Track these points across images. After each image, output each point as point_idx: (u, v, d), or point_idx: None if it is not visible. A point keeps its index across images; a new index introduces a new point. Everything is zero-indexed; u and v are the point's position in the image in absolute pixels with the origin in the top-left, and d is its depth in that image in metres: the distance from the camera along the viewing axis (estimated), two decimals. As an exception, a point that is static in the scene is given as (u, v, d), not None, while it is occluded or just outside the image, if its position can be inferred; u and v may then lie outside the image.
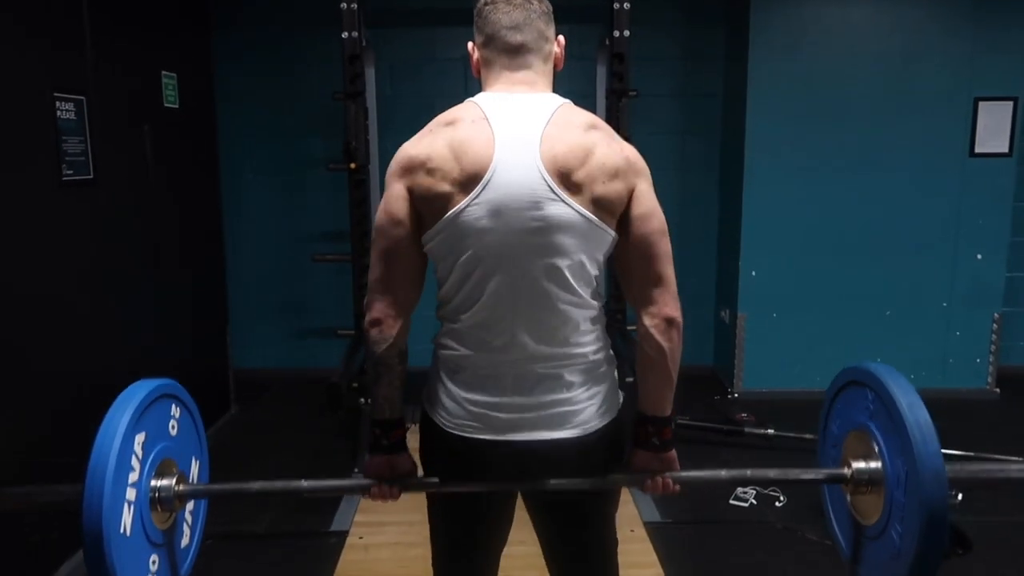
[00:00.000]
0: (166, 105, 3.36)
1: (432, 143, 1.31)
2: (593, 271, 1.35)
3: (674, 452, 1.45)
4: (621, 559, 1.61)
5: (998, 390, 4.27)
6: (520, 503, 1.56)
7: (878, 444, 1.43)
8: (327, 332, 4.29)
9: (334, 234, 4.39)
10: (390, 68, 4.35)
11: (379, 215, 1.36)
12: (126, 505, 1.35)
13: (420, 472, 1.49)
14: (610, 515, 1.58)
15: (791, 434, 3.51)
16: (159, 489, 1.44)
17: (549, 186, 1.27)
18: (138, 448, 1.40)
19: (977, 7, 3.93)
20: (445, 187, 1.29)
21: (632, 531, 2.78)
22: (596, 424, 1.41)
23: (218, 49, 4.04)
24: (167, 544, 1.49)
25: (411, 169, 1.32)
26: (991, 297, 4.20)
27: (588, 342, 1.39)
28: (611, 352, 1.46)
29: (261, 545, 2.80)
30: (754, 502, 3.03)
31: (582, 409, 1.39)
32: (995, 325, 4.22)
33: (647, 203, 1.34)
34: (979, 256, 4.16)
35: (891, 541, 1.39)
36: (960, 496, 2.90)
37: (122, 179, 2.95)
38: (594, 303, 1.39)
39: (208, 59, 3.87)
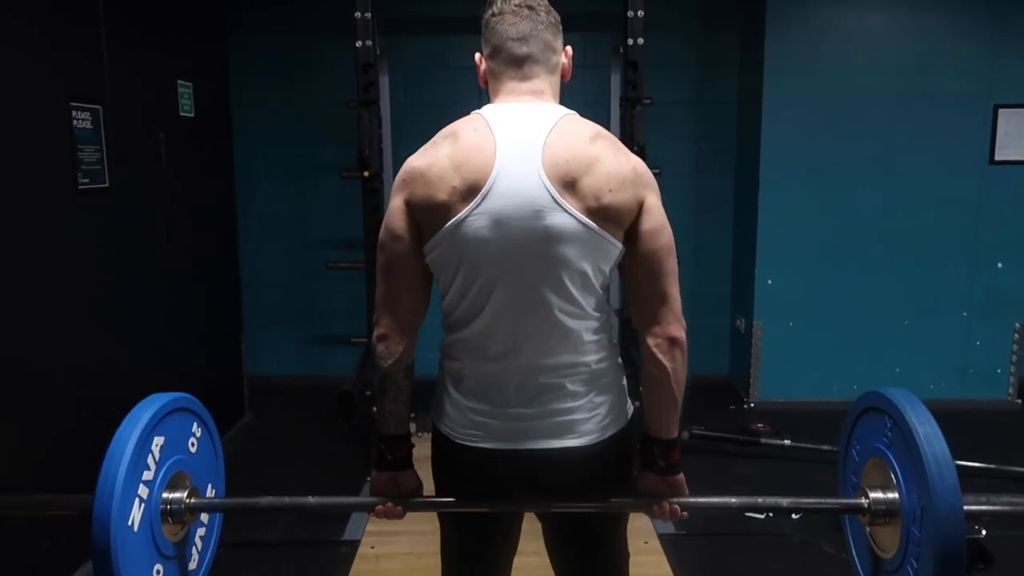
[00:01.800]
0: (181, 114, 3.38)
1: (434, 155, 1.30)
2: (597, 281, 1.33)
3: (682, 476, 1.42)
4: (634, 571, 1.59)
5: (1019, 401, 4.20)
6: (530, 514, 1.54)
7: (895, 474, 1.40)
8: (340, 339, 4.30)
9: (348, 241, 4.40)
10: (404, 76, 4.36)
11: (381, 231, 1.36)
12: (137, 500, 1.36)
13: (425, 489, 1.48)
14: (620, 528, 1.56)
15: (808, 445, 3.47)
16: (171, 501, 1.44)
17: (551, 195, 1.25)
18: (156, 450, 1.41)
19: (995, 14, 3.89)
20: (443, 197, 1.27)
21: (646, 543, 2.75)
22: (600, 435, 1.39)
23: (233, 57, 4.07)
24: (176, 558, 1.49)
25: (410, 181, 1.31)
26: (1012, 306, 4.14)
27: (590, 351, 1.37)
28: (619, 361, 1.45)
29: (273, 554, 2.80)
30: (770, 514, 2.99)
31: (587, 419, 1.38)
32: (1016, 335, 4.16)
33: (656, 218, 1.32)
34: (1000, 265, 4.10)
35: None
36: (984, 532, 2.82)
37: (137, 187, 2.97)
38: (597, 314, 1.37)
39: (223, 67, 3.90)
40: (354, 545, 2.76)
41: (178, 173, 3.28)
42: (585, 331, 1.35)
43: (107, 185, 2.73)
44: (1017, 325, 4.15)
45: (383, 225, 1.36)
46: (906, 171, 4.02)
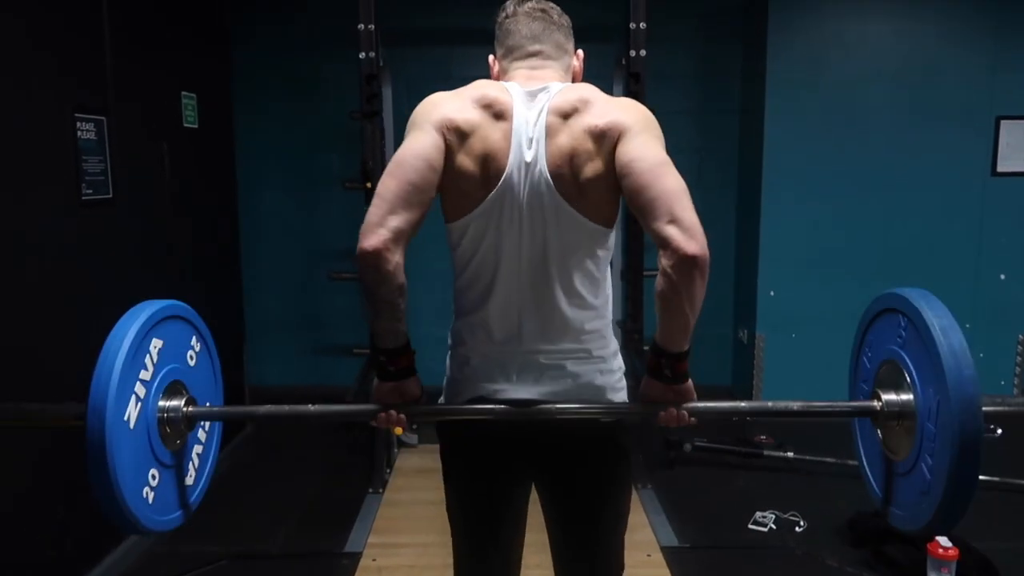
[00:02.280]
0: (185, 125, 3.39)
1: (471, 121, 1.33)
2: (596, 272, 1.39)
3: (689, 383, 1.36)
4: (638, 585, 1.58)
5: (1024, 413, 4.19)
6: (535, 509, 1.54)
7: (910, 374, 1.33)
8: (343, 350, 4.29)
9: (350, 252, 4.32)
10: (407, 88, 4.36)
11: (409, 157, 1.31)
12: (133, 398, 1.33)
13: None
14: (620, 528, 1.55)
15: (811, 457, 3.45)
16: (168, 409, 1.41)
17: (554, 188, 1.31)
18: (153, 351, 1.39)
19: (997, 26, 3.90)
20: (474, 175, 1.32)
21: (649, 556, 2.74)
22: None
23: (236, 69, 4.08)
24: (173, 467, 1.45)
25: (452, 130, 1.32)
26: (1015, 318, 4.13)
27: (592, 339, 1.41)
28: (618, 354, 1.48)
29: (274, 566, 2.79)
30: (774, 527, 2.97)
31: (588, 396, 1.42)
32: (1020, 347, 4.14)
33: (637, 141, 1.30)
34: (1002, 276, 4.09)
35: (921, 476, 1.29)
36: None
37: (141, 198, 2.97)
38: (596, 303, 1.41)
39: (227, 78, 3.91)
40: (356, 557, 2.75)
41: (181, 184, 3.28)
42: (587, 320, 1.40)
43: (111, 196, 2.73)
44: (1020, 337, 4.14)
45: (412, 153, 1.31)
46: (908, 182, 4.02)
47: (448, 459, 1.53)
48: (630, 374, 1.52)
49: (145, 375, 1.37)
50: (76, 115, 2.54)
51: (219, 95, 3.79)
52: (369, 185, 3.29)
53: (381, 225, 1.27)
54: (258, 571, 2.74)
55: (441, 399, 1.50)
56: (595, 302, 1.41)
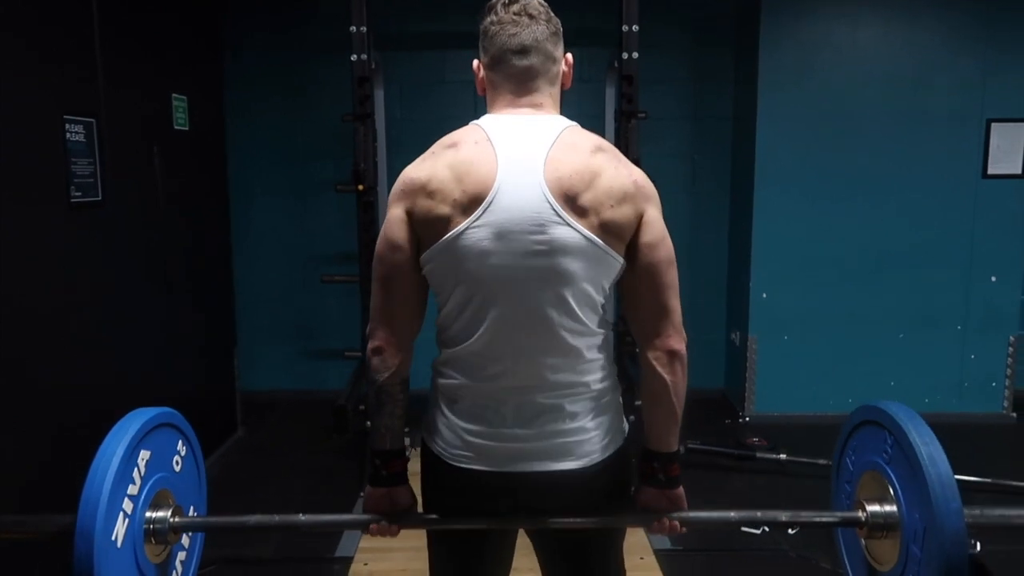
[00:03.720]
0: (176, 127, 3.37)
1: (434, 165, 1.29)
2: (599, 298, 1.32)
3: (681, 490, 1.40)
4: (631, 588, 1.57)
5: (1015, 415, 4.20)
6: (523, 532, 1.52)
7: (894, 488, 1.40)
8: (335, 353, 4.28)
9: (343, 255, 4.38)
10: (400, 90, 4.37)
11: (378, 242, 1.33)
12: (121, 515, 1.32)
13: (420, 504, 1.46)
14: (617, 544, 1.54)
15: (804, 459, 3.45)
16: (155, 520, 1.41)
17: (554, 209, 1.23)
18: (141, 464, 1.38)
19: (988, 28, 3.92)
20: (445, 209, 1.26)
21: (642, 559, 2.73)
22: (599, 456, 1.36)
23: (228, 71, 4.07)
24: None
25: (411, 192, 1.29)
26: (1006, 320, 4.15)
27: (592, 370, 1.34)
28: (615, 380, 1.43)
29: (265, 571, 2.77)
30: (766, 529, 2.97)
31: (585, 440, 1.35)
32: (1011, 348, 4.16)
33: (656, 231, 1.30)
34: (993, 278, 4.11)
35: None
36: (979, 546, 2.78)
37: (131, 201, 2.96)
38: (599, 331, 1.34)
39: (218, 81, 3.90)
40: (347, 562, 2.74)
41: (172, 186, 3.26)
42: (587, 348, 1.33)
43: (100, 198, 2.71)
44: (1012, 338, 4.15)
45: (381, 236, 1.33)
46: (900, 185, 4.04)
47: (430, 503, 1.45)
48: (622, 377, 1.52)
49: (133, 489, 1.36)
50: (65, 117, 2.53)
51: (210, 97, 3.77)
52: (361, 188, 3.28)
53: (380, 330, 1.34)
54: (249, 576, 2.73)
55: (424, 424, 1.44)
56: (595, 328, 1.34)
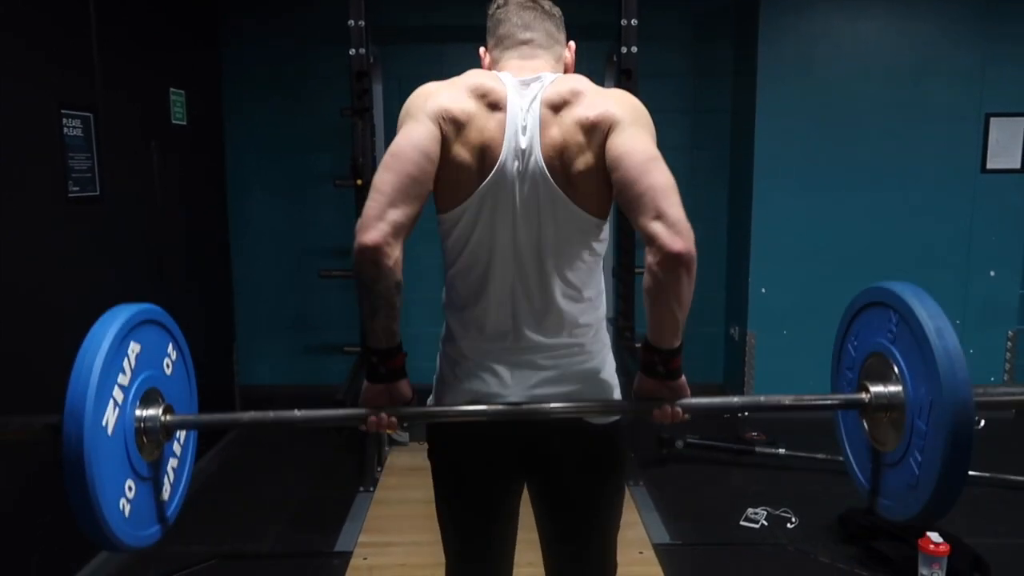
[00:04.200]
0: (174, 122, 3.36)
1: (467, 110, 1.31)
2: (590, 264, 1.38)
3: (683, 379, 1.35)
4: (630, 583, 1.58)
5: (1013, 409, 4.21)
6: (526, 508, 1.53)
7: (899, 367, 1.35)
8: (333, 348, 4.28)
9: (341, 250, 4.38)
10: (398, 84, 4.34)
11: (406, 148, 1.28)
12: (111, 403, 1.27)
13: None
14: (614, 525, 1.55)
15: (803, 453, 3.46)
16: (146, 418, 1.35)
17: (549, 178, 1.30)
18: (131, 356, 1.33)
19: (988, 23, 3.91)
20: (469, 165, 1.30)
21: (641, 553, 2.73)
22: (595, 419, 1.43)
23: (226, 66, 4.05)
24: (150, 480, 1.39)
25: (449, 120, 1.30)
26: (1005, 315, 4.15)
27: (584, 333, 1.40)
28: (611, 356, 1.47)
29: (265, 565, 2.77)
30: (765, 523, 2.98)
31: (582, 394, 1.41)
32: (1009, 343, 4.16)
33: (627, 133, 1.28)
34: (992, 273, 4.11)
35: (909, 470, 1.32)
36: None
37: (129, 195, 2.95)
38: (590, 296, 1.40)
39: (216, 76, 3.89)
40: (346, 556, 2.74)
41: (170, 181, 3.26)
42: (580, 314, 1.39)
43: (98, 193, 2.71)
44: (1010, 333, 4.16)
45: (409, 144, 1.29)
46: (899, 179, 4.03)
47: (437, 458, 1.51)
48: (621, 371, 1.51)
49: (123, 379, 1.31)
50: (62, 111, 2.52)
51: (208, 92, 3.76)
52: (359, 182, 3.27)
53: (380, 219, 1.23)
54: (248, 571, 2.72)
55: (431, 398, 1.49)
56: (589, 295, 1.39)
